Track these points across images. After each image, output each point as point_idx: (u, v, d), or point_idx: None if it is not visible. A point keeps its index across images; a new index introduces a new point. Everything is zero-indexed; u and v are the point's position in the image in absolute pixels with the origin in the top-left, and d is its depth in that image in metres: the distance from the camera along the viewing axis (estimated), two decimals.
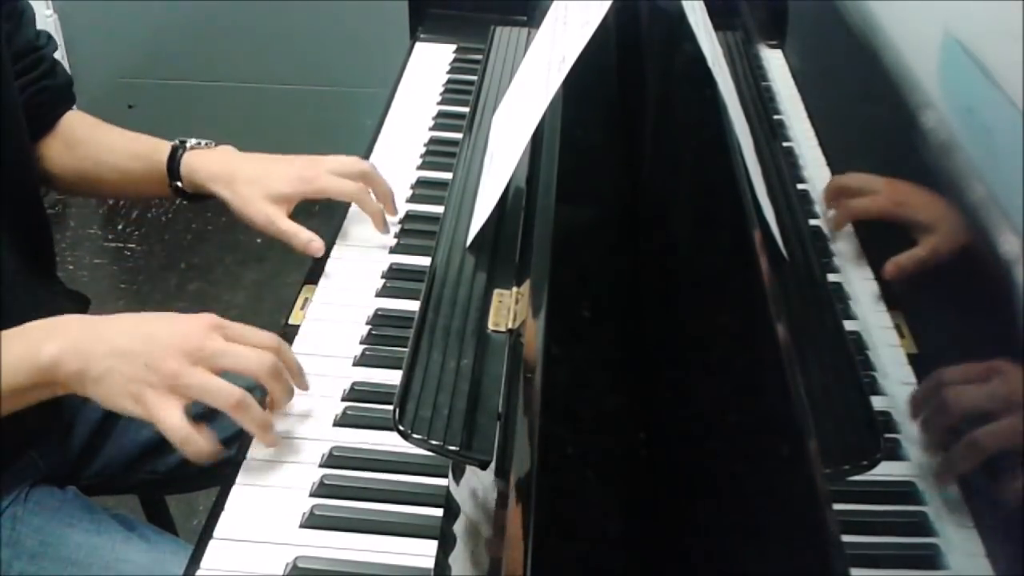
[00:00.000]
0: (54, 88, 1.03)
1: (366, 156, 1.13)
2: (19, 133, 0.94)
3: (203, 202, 1.05)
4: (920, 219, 0.74)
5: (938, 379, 0.64)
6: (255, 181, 0.97)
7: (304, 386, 0.81)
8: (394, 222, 1.02)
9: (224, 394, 0.74)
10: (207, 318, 0.77)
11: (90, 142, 1.05)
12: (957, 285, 0.68)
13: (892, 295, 0.78)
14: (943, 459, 0.64)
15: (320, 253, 0.96)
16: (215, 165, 1.00)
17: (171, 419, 0.73)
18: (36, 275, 0.98)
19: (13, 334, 0.77)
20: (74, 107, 1.08)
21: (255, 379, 0.76)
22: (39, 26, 1.03)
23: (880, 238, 0.81)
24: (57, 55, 1.04)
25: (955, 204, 0.68)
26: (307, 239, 0.96)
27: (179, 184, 1.01)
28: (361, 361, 0.85)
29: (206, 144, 1.02)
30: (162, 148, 1.02)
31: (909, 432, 0.69)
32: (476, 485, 0.69)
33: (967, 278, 0.66)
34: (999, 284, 0.59)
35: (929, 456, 0.66)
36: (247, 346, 0.76)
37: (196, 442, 0.73)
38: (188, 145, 1.01)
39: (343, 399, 0.82)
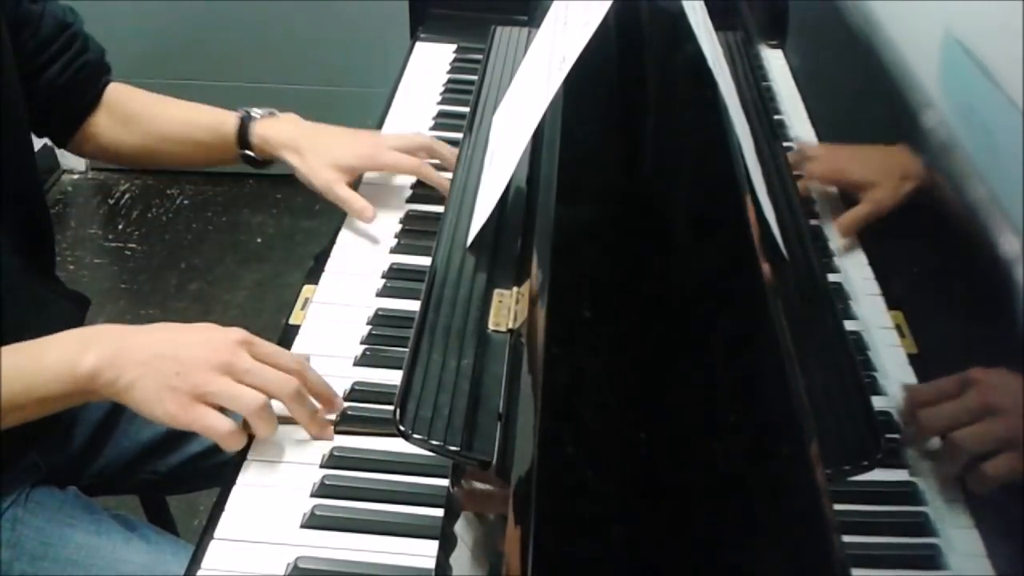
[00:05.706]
0: (93, 62, 1.06)
1: None
2: (20, 130, 0.94)
3: (265, 167, 1.09)
4: (860, 178, 0.75)
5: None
6: (323, 151, 1.03)
7: (337, 406, 0.80)
8: (395, 221, 1.02)
9: (247, 399, 0.75)
10: (237, 332, 0.78)
11: (145, 115, 1.09)
12: (957, 285, 0.68)
13: (892, 295, 0.78)
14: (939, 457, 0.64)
15: (371, 220, 1.00)
16: (285, 134, 1.05)
17: (208, 419, 0.74)
18: (36, 275, 0.98)
19: (51, 341, 0.78)
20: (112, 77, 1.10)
21: (279, 401, 0.77)
22: None
23: (880, 238, 0.81)
24: None
25: (894, 152, 0.68)
26: (361, 206, 1.01)
27: (248, 152, 1.06)
28: (362, 361, 0.85)
29: (270, 113, 1.07)
30: (227, 119, 1.06)
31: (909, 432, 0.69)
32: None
33: (967, 278, 0.66)
34: (999, 284, 0.59)
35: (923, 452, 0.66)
36: (273, 368, 0.77)
37: (238, 437, 0.75)
38: (256, 114, 1.06)
39: (344, 399, 0.82)
